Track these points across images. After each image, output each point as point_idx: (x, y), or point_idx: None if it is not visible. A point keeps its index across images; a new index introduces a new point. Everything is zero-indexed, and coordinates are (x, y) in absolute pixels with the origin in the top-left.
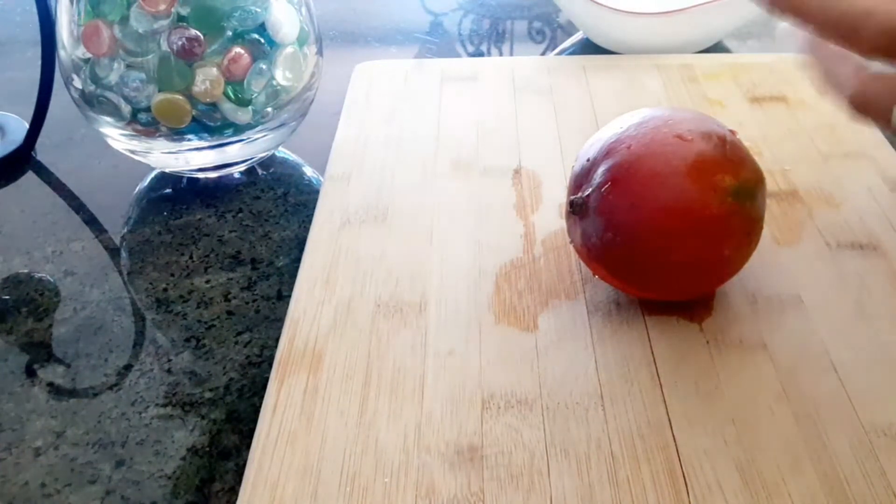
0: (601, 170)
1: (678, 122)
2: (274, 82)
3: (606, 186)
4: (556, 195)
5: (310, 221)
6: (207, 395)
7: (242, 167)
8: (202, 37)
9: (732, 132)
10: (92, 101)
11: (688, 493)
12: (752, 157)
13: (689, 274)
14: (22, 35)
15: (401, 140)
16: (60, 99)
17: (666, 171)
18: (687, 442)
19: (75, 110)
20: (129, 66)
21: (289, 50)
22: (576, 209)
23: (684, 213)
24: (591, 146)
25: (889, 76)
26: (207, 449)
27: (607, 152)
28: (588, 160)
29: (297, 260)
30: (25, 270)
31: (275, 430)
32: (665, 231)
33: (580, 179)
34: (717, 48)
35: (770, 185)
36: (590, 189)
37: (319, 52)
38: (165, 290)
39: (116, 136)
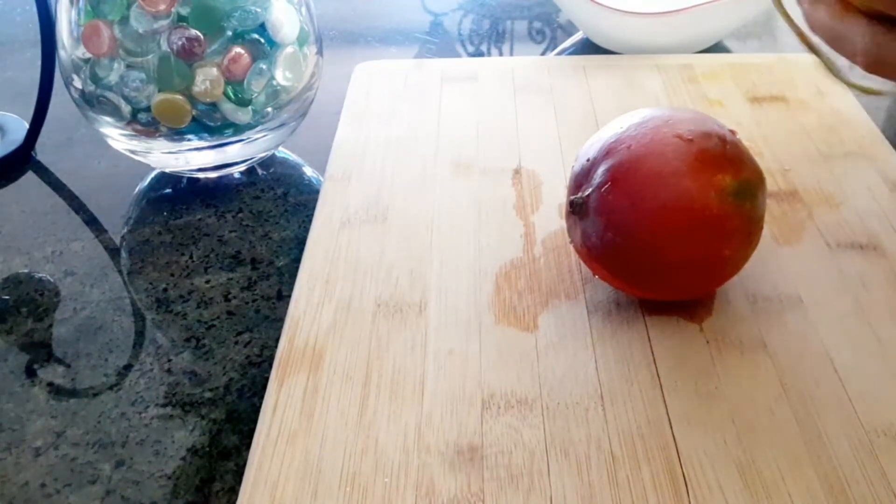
0: (601, 170)
1: (678, 122)
2: (274, 82)
3: (606, 186)
4: (556, 195)
5: (310, 221)
6: (207, 395)
7: (242, 167)
8: (202, 37)
9: (732, 132)
10: (92, 101)
11: (688, 493)
12: (752, 157)
13: (689, 274)
14: (22, 35)
15: (401, 140)
16: (60, 99)
17: (666, 171)
18: (687, 442)
19: (75, 110)
20: (129, 66)
21: (289, 50)
22: (576, 209)
23: (684, 213)
24: (591, 146)
25: None
26: (207, 449)
27: (607, 152)
28: (588, 160)
29: (297, 260)
30: (25, 270)
31: (275, 430)
32: (665, 231)
33: (580, 179)
34: (717, 48)
35: (770, 185)
36: (590, 189)
37: (319, 52)
38: (165, 290)
39: (116, 136)
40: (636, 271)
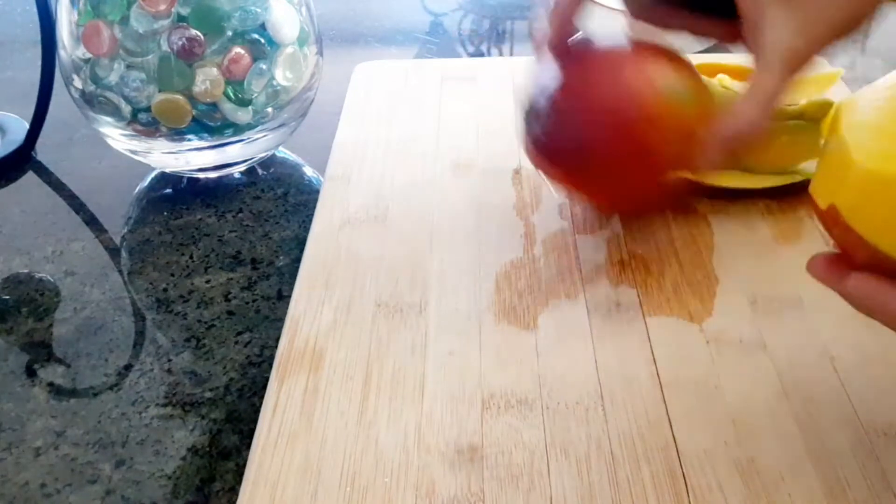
0: (553, 76)
1: (628, 39)
2: (274, 82)
3: (557, 91)
4: (556, 195)
5: (310, 221)
6: (207, 395)
7: (242, 167)
8: (202, 37)
9: (679, 50)
10: (92, 101)
11: (688, 493)
12: (693, 65)
13: (632, 169)
14: (22, 35)
15: (401, 140)
16: (60, 99)
17: (610, 74)
18: (687, 442)
19: (75, 110)
20: (129, 66)
21: (289, 50)
22: (530, 116)
23: (625, 110)
24: (549, 62)
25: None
26: (207, 449)
27: (559, 60)
28: (543, 70)
29: (297, 260)
30: (25, 270)
31: (275, 430)
32: (608, 127)
33: (534, 82)
34: (718, 48)
35: (770, 184)
36: (543, 96)
37: (319, 52)
38: (165, 290)
39: (116, 136)
40: (586, 171)
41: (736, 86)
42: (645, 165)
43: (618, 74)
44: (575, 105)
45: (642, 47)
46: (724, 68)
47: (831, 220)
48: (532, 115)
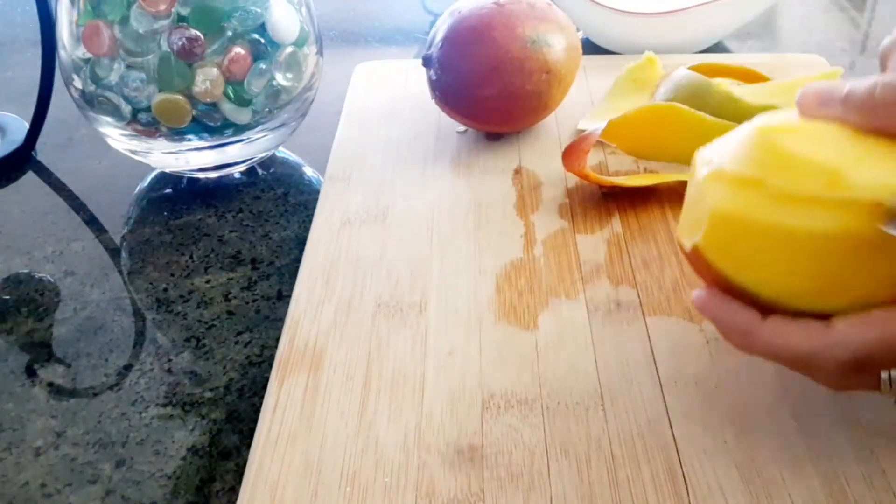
0: (441, 31)
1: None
2: (274, 82)
3: (444, 43)
4: (556, 195)
5: (310, 221)
6: (207, 395)
7: (242, 167)
8: (202, 37)
9: (549, 4)
10: (92, 101)
11: (688, 493)
12: (558, 18)
13: (504, 103)
14: (22, 35)
15: (401, 140)
16: (60, 99)
17: (480, 26)
18: (687, 442)
19: (75, 110)
20: (129, 66)
21: (289, 50)
22: (426, 62)
23: (492, 57)
24: (441, 18)
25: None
26: (207, 449)
27: (446, 19)
28: (436, 27)
29: (297, 260)
30: (25, 270)
31: (275, 430)
32: (480, 70)
33: (430, 41)
34: (717, 48)
35: None
36: (434, 47)
37: (319, 52)
38: (165, 290)
39: (116, 136)
40: (469, 105)
41: (733, 87)
42: (516, 100)
43: (488, 29)
44: (458, 58)
45: (509, 3)
46: (723, 69)
47: (696, 261)
48: (428, 62)
